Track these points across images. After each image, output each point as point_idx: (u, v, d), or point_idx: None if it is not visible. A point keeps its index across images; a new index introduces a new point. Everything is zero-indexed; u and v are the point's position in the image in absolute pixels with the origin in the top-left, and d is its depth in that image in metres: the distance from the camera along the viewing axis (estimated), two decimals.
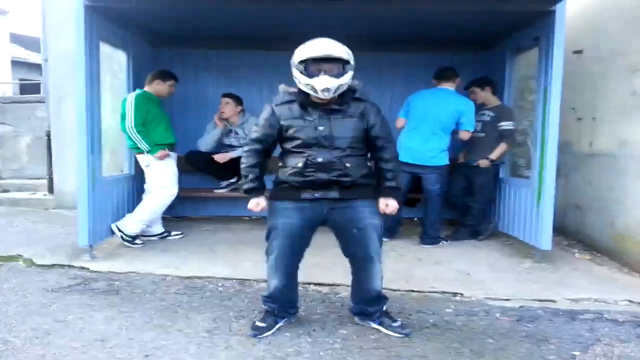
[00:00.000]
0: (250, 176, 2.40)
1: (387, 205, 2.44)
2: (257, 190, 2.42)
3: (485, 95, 4.32)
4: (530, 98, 4.41)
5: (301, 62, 2.23)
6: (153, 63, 4.78)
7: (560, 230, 4.58)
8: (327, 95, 2.24)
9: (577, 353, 2.33)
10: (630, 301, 2.99)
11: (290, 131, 2.32)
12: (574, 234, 4.47)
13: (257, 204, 2.43)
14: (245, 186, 2.42)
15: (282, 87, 2.43)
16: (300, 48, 2.27)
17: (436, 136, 4.07)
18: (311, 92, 2.26)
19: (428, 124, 4.05)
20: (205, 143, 4.77)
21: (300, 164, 2.30)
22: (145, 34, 4.61)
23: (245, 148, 2.45)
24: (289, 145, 2.36)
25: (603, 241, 4.00)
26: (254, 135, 2.41)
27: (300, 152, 2.31)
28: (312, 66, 2.21)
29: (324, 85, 2.19)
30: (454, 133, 4.17)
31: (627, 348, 2.40)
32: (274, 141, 2.42)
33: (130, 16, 4.00)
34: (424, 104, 4.08)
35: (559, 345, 2.41)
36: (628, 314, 2.81)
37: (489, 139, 4.23)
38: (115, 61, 4.48)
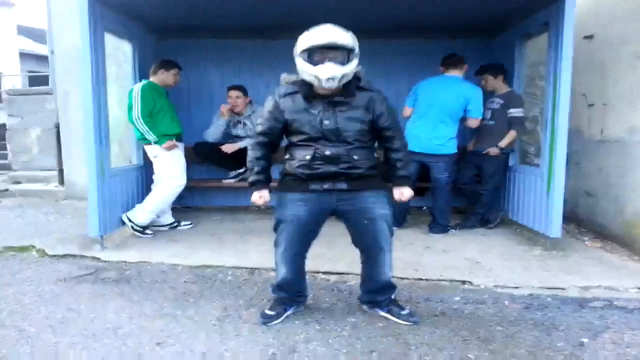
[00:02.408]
0: (256, 169, 2.39)
1: (402, 194, 2.45)
2: (261, 183, 2.41)
3: (497, 83, 4.27)
4: (541, 84, 4.35)
5: (304, 50, 2.16)
6: (159, 53, 4.78)
7: (571, 218, 4.54)
8: (332, 85, 2.17)
9: (585, 340, 2.33)
10: None
11: (295, 125, 2.29)
12: (584, 221, 4.43)
13: (260, 197, 2.41)
14: (251, 179, 2.42)
15: (283, 77, 2.37)
16: (304, 36, 2.19)
17: (444, 124, 4.03)
18: (315, 82, 2.19)
19: (435, 112, 4.01)
20: (211, 134, 4.77)
21: (308, 157, 2.27)
22: (150, 24, 4.60)
23: (252, 141, 2.43)
24: (295, 139, 2.33)
25: (613, 229, 3.97)
26: (259, 128, 2.38)
27: (307, 146, 2.28)
28: (316, 55, 2.14)
29: (329, 74, 2.12)
30: (463, 120, 4.14)
31: (636, 335, 2.38)
32: (279, 133, 2.38)
33: (135, 7, 3.99)
34: (431, 92, 4.04)
35: (568, 332, 2.40)
36: (638, 301, 2.79)
37: (499, 126, 4.19)
38: (120, 52, 4.48)
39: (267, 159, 2.41)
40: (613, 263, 3.48)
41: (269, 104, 2.35)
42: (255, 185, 2.41)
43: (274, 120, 2.33)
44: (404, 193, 2.45)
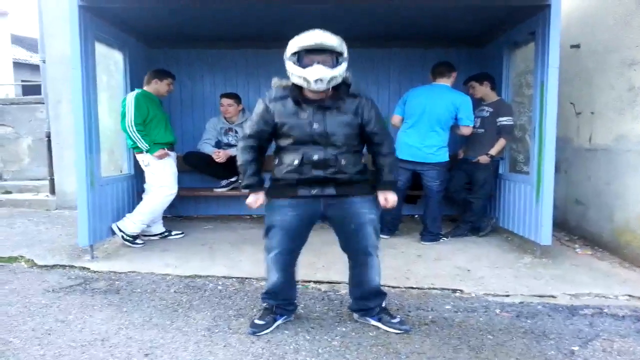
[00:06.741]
0: (249, 171, 2.38)
1: (386, 200, 2.45)
2: (256, 185, 2.41)
3: (484, 90, 4.30)
4: (529, 93, 4.40)
5: (294, 53, 2.20)
6: (149, 63, 4.80)
7: (562, 225, 4.57)
8: (321, 87, 2.20)
9: (576, 348, 2.33)
10: (630, 296, 2.98)
11: (285, 128, 2.30)
12: (575, 229, 4.45)
13: (256, 200, 2.42)
14: (245, 182, 2.41)
15: (275, 81, 2.39)
16: (293, 40, 2.23)
17: (435, 133, 4.05)
18: (304, 85, 2.22)
19: (426, 121, 4.03)
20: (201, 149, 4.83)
21: (296, 162, 2.29)
22: (141, 33, 4.61)
23: (240, 144, 2.42)
24: (283, 143, 2.35)
25: (604, 236, 3.99)
26: (248, 131, 2.39)
27: (296, 150, 2.30)
28: (305, 57, 2.17)
29: (317, 75, 2.15)
30: (454, 129, 4.16)
31: (626, 343, 2.39)
32: (268, 137, 2.39)
33: (125, 16, 4.01)
34: (421, 101, 4.06)
35: (559, 340, 2.40)
36: (628, 308, 2.81)
37: (489, 134, 4.22)
38: (111, 61, 4.48)
39: (258, 162, 2.42)
40: (603, 270, 3.49)
41: (259, 107, 2.37)
42: (251, 188, 2.41)
43: (263, 124, 2.35)
44: (388, 199, 2.45)
